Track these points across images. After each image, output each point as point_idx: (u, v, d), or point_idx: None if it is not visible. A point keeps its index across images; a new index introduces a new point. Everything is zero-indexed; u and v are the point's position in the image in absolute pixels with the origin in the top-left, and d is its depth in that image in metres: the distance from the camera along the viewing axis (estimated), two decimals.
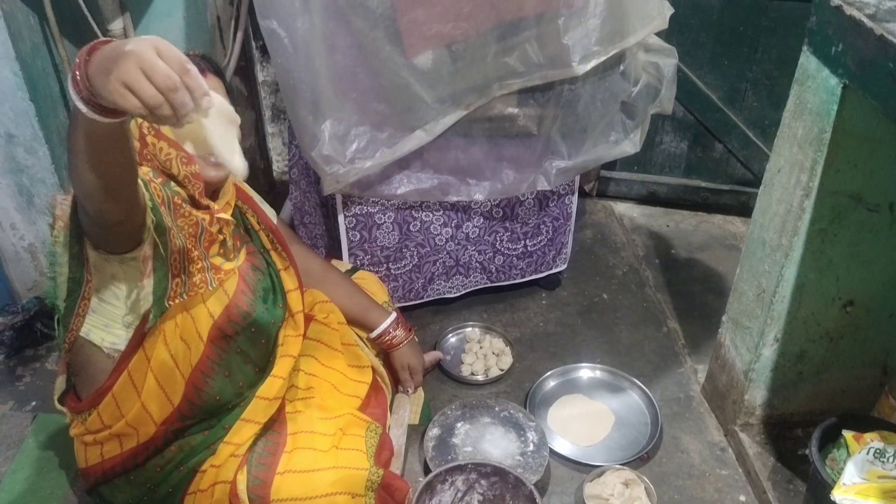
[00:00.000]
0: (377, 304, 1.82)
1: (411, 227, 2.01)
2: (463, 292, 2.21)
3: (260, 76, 1.89)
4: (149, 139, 1.30)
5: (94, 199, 1.10)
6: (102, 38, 0.93)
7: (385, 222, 1.98)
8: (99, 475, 1.46)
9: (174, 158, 1.30)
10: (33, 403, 1.92)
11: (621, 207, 2.76)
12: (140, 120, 1.27)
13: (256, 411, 1.46)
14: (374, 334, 1.79)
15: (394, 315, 1.81)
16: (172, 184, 1.31)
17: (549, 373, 2.01)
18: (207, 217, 1.35)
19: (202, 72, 1.28)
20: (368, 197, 1.90)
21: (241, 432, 1.44)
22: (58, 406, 1.49)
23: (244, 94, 2.37)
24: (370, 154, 1.75)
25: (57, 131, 1.93)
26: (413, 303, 2.16)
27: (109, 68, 0.85)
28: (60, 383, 1.51)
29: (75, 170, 1.04)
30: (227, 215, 1.41)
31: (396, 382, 1.87)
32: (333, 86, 1.67)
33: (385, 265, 2.05)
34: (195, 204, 1.34)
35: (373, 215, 1.95)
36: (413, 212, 1.98)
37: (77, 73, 0.89)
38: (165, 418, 1.40)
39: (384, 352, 1.83)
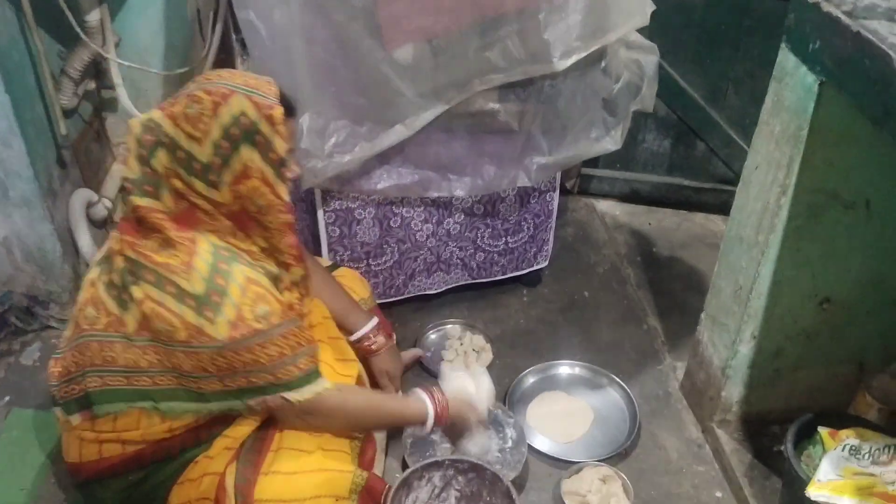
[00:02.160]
0: (360, 308, 1.80)
1: (392, 223, 2.00)
2: (444, 289, 2.20)
3: (241, 69, 1.88)
4: (254, 182, 1.28)
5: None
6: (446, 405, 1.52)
7: (365, 218, 1.97)
8: (92, 474, 1.44)
9: (274, 206, 1.31)
10: (7, 398, 1.89)
11: (603, 205, 2.77)
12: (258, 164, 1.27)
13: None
14: (353, 338, 1.76)
15: (375, 320, 1.79)
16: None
17: (528, 370, 2.01)
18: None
19: (289, 115, 1.30)
20: (348, 192, 1.88)
21: (239, 428, 1.43)
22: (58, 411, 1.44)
23: None
24: (349, 148, 1.74)
25: (33, 124, 1.91)
26: (393, 299, 2.15)
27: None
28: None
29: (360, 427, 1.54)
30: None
31: (374, 386, 1.85)
32: (312, 79, 1.65)
33: (365, 261, 2.04)
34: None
35: (353, 211, 1.94)
36: (394, 207, 1.97)
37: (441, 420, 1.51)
38: (179, 433, 1.39)
39: (363, 357, 1.81)
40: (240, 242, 1.34)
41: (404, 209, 1.99)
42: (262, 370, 1.30)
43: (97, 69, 2.24)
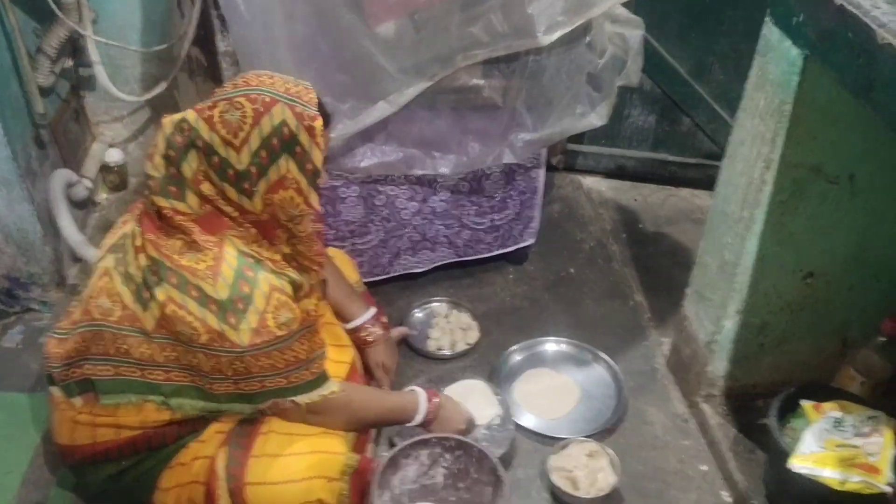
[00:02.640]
0: (359, 297, 1.80)
1: (376, 202, 1.98)
2: (429, 267, 2.19)
3: (221, 46, 1.84)
4: (289, 193, 1.27)
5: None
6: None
7: (349, 196, 1.95)
8: (84, 457, 1.43)
9: (305, 216, 1.31)
10: None
11: (589, 181, 2.76)
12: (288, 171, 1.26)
13: None
14: (350, 326, 1.76)
15: (373, 311, 1.79)
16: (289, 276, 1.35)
17: (515, 347, 2.01)
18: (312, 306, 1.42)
19: (325, 125, 1.29)
20: (332, 170, 1.86)
21: (232, 412, 1.43)
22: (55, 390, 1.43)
23: (204, 65, 2.31)
24: (332, 126, 1.72)
25: (9, 103, 1.88)
26: (379, 278, 2.14)
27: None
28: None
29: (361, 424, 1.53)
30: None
31: (366, 372, 1.85)
32: (293, 55, 1.63)
33: (350, 240, 2.03)
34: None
35: (336, 189, 1.92)
36: (378, 185, 1.96)
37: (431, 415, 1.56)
38: (178, 421, 1.39)
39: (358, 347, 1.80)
40: (263, 250, 1.33)
41: (389, 187, 1.97)
42: (276, 374, 1.31)
43: (74, 47, 2.20)
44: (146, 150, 1.69)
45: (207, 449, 1.41)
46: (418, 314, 2.15)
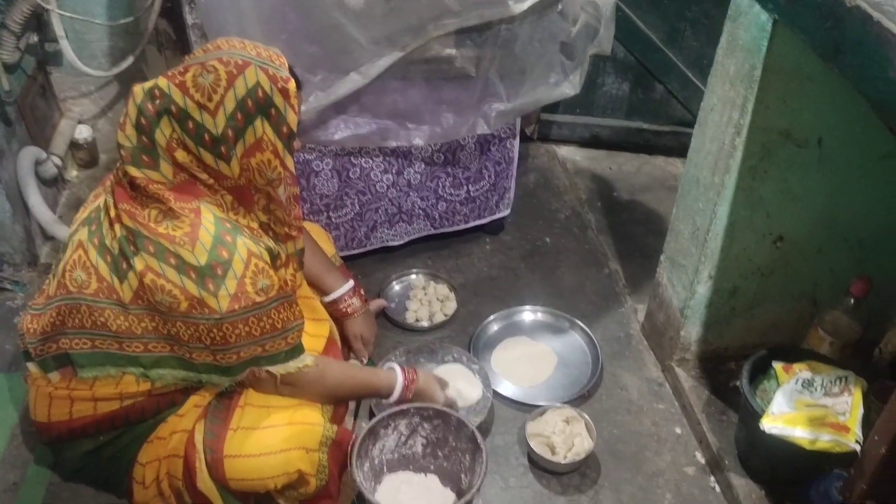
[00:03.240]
0: (336, 270, 1.79)
1: (351, 174, 1.98)
2: (406, 240, 2.19)
3: (189, 18, 1.81)
4: (266, 155, 1.26)
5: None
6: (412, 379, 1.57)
7: (323, 169, 1.94)
8: (62, 433, 1.43)
9: (283, 179, 1.30)
10: None
11: (564, 151, 2.76)
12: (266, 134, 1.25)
13: None
14: (328, 298, 1.76)
15: (351, 283, 1.79)
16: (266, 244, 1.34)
17: (492, 316, 2.03)
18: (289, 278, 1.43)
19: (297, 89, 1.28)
20: (305, 143, 1.85)
21: (211, 387, 1.44)
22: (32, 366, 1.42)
23: (172, 38, 2.28)
24: (304, 98, 1.70)
25: None
26: (356, 251, 2.14)
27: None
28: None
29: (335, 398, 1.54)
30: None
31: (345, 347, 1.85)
32: (261, 27, 1.60)
33: (325, 213, 2.02)
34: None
35: (310, 163, 1.91)
36: (352, 158, 1.95)
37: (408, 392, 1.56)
38: (156, 394, 1.39)
39: (337, 319, 1.80)
40: (240, 218, 1.33)
41: (363, 160, 1.96)
42: (253, 342, 1.31)
43: (39, 21, 2.15)
44: (116, 126, 1.66)
45: (185, 423, 1.41)
46: (396, 286, 2.15)
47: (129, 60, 2.21)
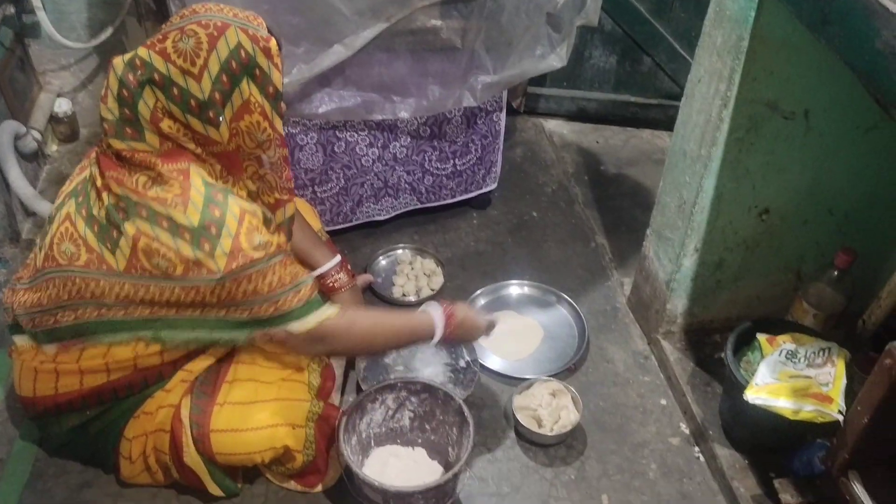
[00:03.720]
0: (324, 245, 1.78)
1: (336, 148, 1.96)
2: (393, 214, 2.18)
3: None
4: (254, 117, 1.24)
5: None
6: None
7: (308, 144, 1.92)
8: (49, 406, 1.41)
9: (273, 141, 1.28)
10: None
11: (551, 124, 2.75)
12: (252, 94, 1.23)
13: (218, 349, 1.45)
14: (315, 273, 1.74)
15: (338, 258, 1.77)
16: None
17: (479, 291, 2.03)
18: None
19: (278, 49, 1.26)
20: (289, 117, 1.83)
21: (198, 362, 1.43)
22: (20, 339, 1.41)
23: (152, 9, 2.24)
24: (287, 70, 1.68)
25: None
26: (342, 226, 2.13)
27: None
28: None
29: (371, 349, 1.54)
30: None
31: None
32: None
33: (311, 188, 2.00)
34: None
35: (294, 136, 1.89)
36: (337, 132, 1.93)
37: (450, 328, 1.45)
38: (143, 367, 1.37)
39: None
40: (229, 186, 1.30)
41: (348, 133, 1.94)
42: (263, 300, 1.27)
43: None
44: (97, 99, 1.64)
45: (172, 398, 1.41)
46: (383, 261, 2.14)
47: (109, 32, 2.17)
